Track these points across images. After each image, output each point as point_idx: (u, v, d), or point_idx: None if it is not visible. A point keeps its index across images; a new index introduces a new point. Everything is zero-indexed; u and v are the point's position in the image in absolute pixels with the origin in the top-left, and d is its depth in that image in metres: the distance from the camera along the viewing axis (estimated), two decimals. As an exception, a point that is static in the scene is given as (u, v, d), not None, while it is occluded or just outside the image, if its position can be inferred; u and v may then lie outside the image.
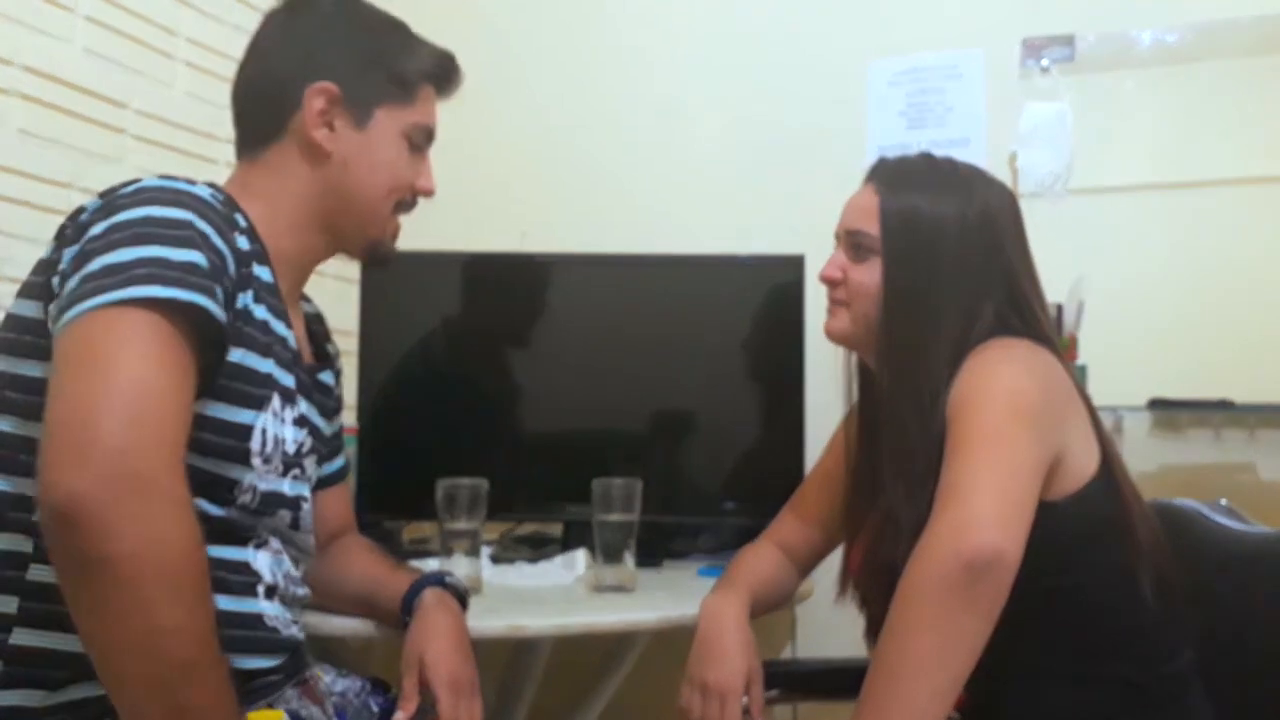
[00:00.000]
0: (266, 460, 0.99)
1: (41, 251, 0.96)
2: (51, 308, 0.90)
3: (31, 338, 0.92)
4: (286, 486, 1.04)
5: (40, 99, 1.43)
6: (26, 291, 0.95)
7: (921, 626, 0.95)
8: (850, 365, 1.26)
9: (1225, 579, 1.18)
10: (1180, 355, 1.75)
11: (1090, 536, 1.06)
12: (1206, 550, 1.20)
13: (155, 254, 0.86)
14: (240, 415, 0.96)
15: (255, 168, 1.08)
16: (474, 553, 1.41)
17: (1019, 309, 1.12)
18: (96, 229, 0.89)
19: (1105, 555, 1.06)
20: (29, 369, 0.91)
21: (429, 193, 1.15)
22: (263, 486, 0.99)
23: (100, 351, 0.81)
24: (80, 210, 0.94)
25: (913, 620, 0.95)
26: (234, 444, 0.95)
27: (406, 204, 1.14)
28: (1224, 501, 1.27)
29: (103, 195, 0.94)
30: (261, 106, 1.08)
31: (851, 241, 1.17)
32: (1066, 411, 1.07)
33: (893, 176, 1.17)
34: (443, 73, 1.14)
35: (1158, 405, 1.68)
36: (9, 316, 0.96)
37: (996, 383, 1.04)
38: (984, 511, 0.95)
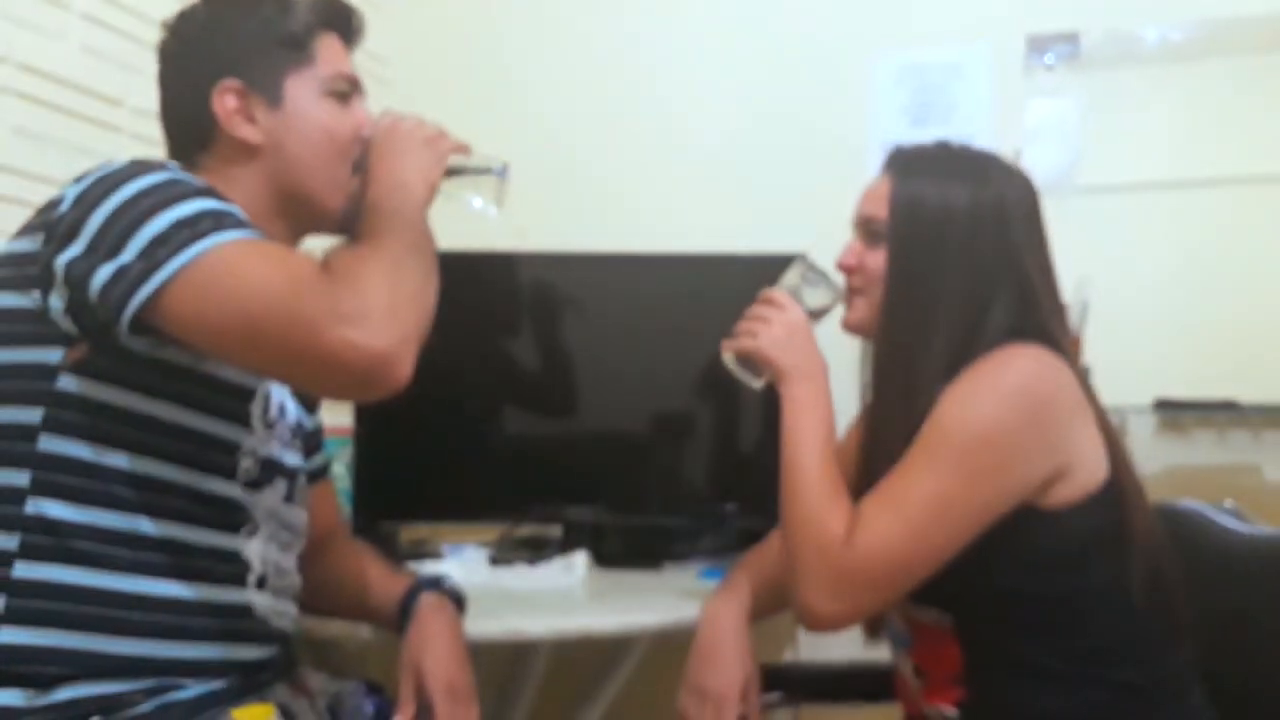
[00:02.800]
0: (269, 425, 1.02)
1: None
2: (90, 295, 0.89)
3: (24, 326, 0.92)
4: (288, 455, 1.06)
5: (36, 97, 1.43)
6: (5, 284, 0.94)
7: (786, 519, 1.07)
8: (867, 360, 1.24)
9: (1230, 581, 1.17)
10: (1186, 355, 1.74)
11: (1089, 545, 1.05)
12: (1211, 552, 1.20)
13: (210, 206, 0.91)
14: (243, 377, 1.00)
15: (196, 173, 1.05)
16: None
17: (1029, 307, 1.09)
18: (105, 207, 0.90)
19: (1102, 563, 1.05)
20: (19, 355, 0.92)
21: (363, 138, 1.08)
22: (262, 452, 1.02)
23: (232, 283, 0.89)
24: (56, 201, 0.94)
25: (791, 515, 1.07)
26: (235, 406, 0.99)
27: (360, 160, 1.07)
28: (1229, 503, 1.26)
29: (79, 180, 0.94)
30: (181, 123, 1.07)
31: (866, 228, 1.16)
32: (1070, 426, 1.05)
33: (907, 163, 1.15)
34: (333, 17, 1.09)
35: (1163, 406, 1.67)
36: None
37: (973, 414, 1.02)
38: (850, 588, 1.01)
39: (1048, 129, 1.76)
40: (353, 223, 1.05)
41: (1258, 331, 1.72)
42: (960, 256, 1.09)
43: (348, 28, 1.11)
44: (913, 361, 1.08)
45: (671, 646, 1.30)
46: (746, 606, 1.20)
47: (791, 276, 1.19)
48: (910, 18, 1.89)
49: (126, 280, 0.88)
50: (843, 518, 1.03)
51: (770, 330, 1.14)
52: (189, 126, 1.06)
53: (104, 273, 0.88)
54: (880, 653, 1.23)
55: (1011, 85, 1.81)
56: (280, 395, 1.05)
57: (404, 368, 0.92)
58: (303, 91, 1.05)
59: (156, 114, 1.62)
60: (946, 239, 1.09)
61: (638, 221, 1.98)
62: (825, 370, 1.13)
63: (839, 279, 1.18)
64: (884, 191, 1.14)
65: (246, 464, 1.01)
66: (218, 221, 0.90)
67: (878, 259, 1.13)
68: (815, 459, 1.08)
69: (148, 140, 1.59)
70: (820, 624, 1.04)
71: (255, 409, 1.02)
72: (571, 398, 1.75)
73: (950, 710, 1.09)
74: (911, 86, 1.86)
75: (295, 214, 1.07)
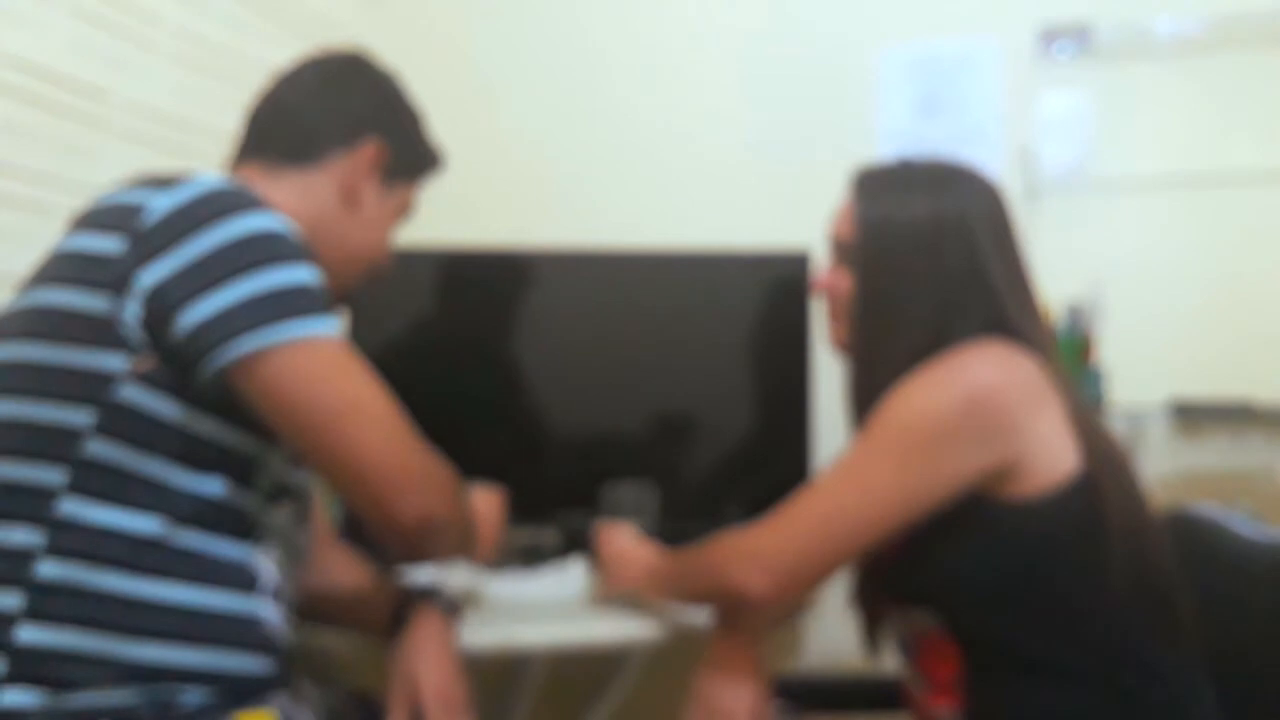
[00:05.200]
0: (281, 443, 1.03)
1: (26, 245, 0.99)
2: (184, 319, 0.91)
3: (85, 328, 0.92)
4: (293, 476, 1.06)
5: (23, 91, 1.41)
6: (73, 281, 0.94)
7: (693, 578, 1.17)
8: None
9: (1244, 585, 1.16)
10: (1199, 354, 1.72)
11: (1059, 539, 1.05)
12: (1225, 558, 1.18)
13: (304, 278, 0.95)
14: None
15: (265, 177, 1.09)
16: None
17: (998, 314, 1.10)
18: (213, 235, 0.92)
19: (1078, 557, 1.05)
20: (78, 357, 0.92)
21: (387, 264, 1.22)
22: (276, 470, 1.02)
23: (342, 389, 0.95)
24: (135, 207, 0.94)
25: (692, 565, 1.17)
26: (258, 418, 0.98)
27: (375, 271, 1.19)
28: (1243, 506, 1.26)
29: (160, 186, 0.95)
30: (309, 129, 1.12)
31: (835, 250, 1.19)
32: (1026, 417, 1.05)
33: (868, 183, 1.18)
34: (438, 167, 1.23)
35: (1177, 409, 1.66)
36: (40, 307, 0.96)
37: (906, 403, 1.05)
38: (770, 556, 1.07)
39: (1059, 122, 1.75)
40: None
41: (1274, 331, 1.70)
42: (924, 270, 1.11)
43: (431, 176, 1.25)
44: (876, 374, 1.10)
45: (670, 657, 1.29)
46: (757, 622, 1.19)
47: (609, 507, 1.41)
48: (920, 9, 1.88)
49: (226, 328, 0.90)
50: (735, 534, 1.12)
51: (607, 572, 1.32)
52: (311, 139, 1.11)
53: (201, 310, 0.90)
54: (883, 663, 1.23)
55: (1022, 78, 1.81)
56: None
57: (409, 519, 0.98)
58: (398, 199, 1.18)
59: (145, 108, 1.61)
60: (909, 255, 1.12)
61: (640, 218, 1.98)
62: (643, 550, 1.29)
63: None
64: (848, 212, 1.17)
65: (265, 482, 1.02)
66: (319, 302, 0.95)
67: (848, 280, 1.16)
68: (685, 564, 1.20)
69: (135, 135, 1.59)
70: (754, 599, 1.07)
71: None
72: (570, 398, 1.74)
73: (952, 711, 1.09)
74: (921, 79, 1.86)
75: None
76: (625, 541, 1.32)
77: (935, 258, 1.11)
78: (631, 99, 2.03)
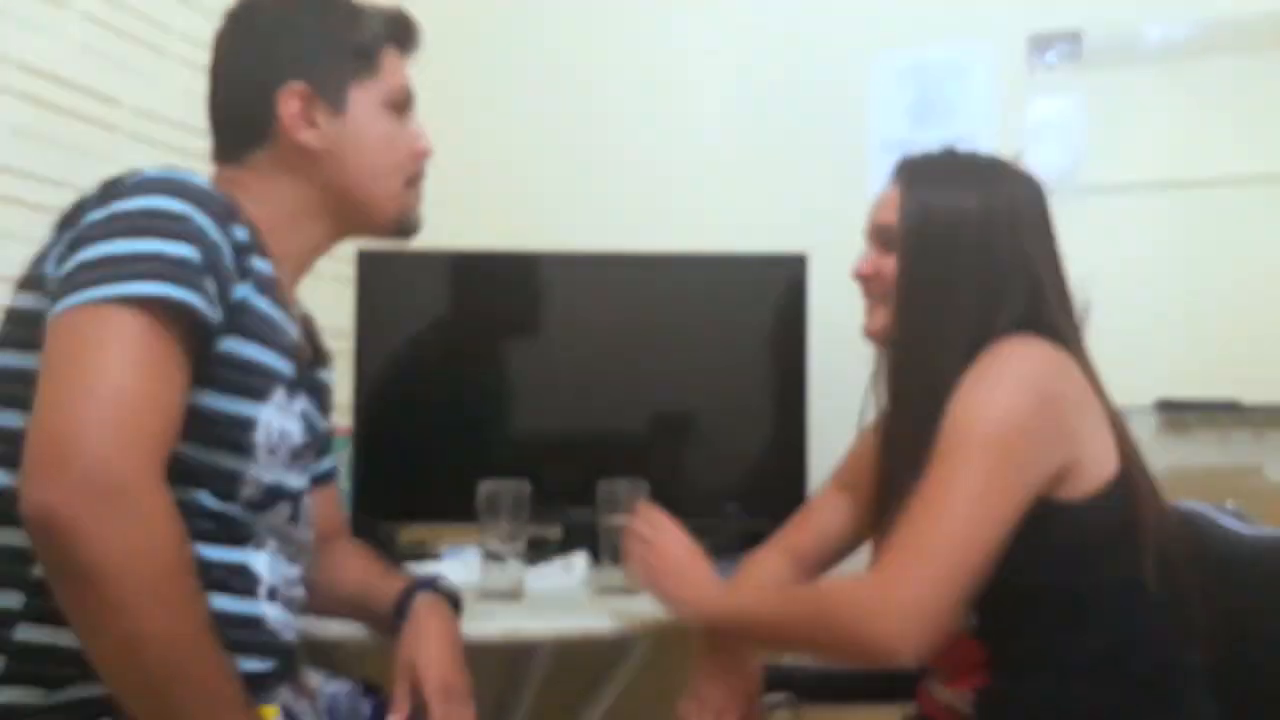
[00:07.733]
0: (272, 452, 0.99)
1: (38, 247, 0.97)
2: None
3: (33, 331, 0.90)
4: (290, 478, 1.04)
5: (34, 96, 1.43)
6: (26, 285, 0.95)
7: (806, 629, 1.08)
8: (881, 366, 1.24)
9: (1232, 581, 1.17)
10: (1188, 354, 1.73)
11: (1104, 538, 1.07)
12: (1213, 553, 1.20)
13: (150, 248, 0.87)
14: (242, 407, 0.96)
15: (244, 172, 1.07)
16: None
17: (1039, 305, 1.11)
18: (95, 215, 0.90)
19: (1118, 556, 1.07)
20: (32, 362, 0.90)
21: (426, 153, 1.14)
22: (266, 479, 0.99)
23: (84, 354, 0.82)
24: (82, 202, 0.94)
25: (806, 617, 1.08)
26: (237, 436, 0.95)
27: (415, 175, 1.13)
28: (1231, 504, 1.27)
29: (104, 185, 0.94)
30: (237, 119, 1.08)
31: (880, 237, 1.18)
32: (1078, 418, 1.06)
33: (915, 171, 1.18)
34: (398, 30, 1.12)
35: (1165, 407, 1.67)
36: (10, 311, 0.96)
37: (986, 409, 1.03)
38: (915, 607, 0.99)
39: (1050, 128, 1.76)
40: (400, 230, 1.13)
41: (1260, 331, 1.70)
42: (973, 261, 1.11)
43: (409, 41, 1.13)
44: (931, 360, 1.10)
45: (671, 647, 1.30)
46: None
47: (605, 503, 1.36)
48: (912, 16, 1.89)
49: (58, 288, 0.86)
50: (857, 585, 1.05)
51: (649, 572, 1.22)
52: (245, 124, 1.07)
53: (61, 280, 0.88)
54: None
55: (1013, 84, 1.81)
56: (281, 421, 1.00)
57: (31, 501, 0.78)
58: (365, 101, 1.08)
59: (155, 113, 1.64)
60: (958, 244, 1.12)
61: (638, 221, 1.98)
62: (696, 558, 1.21)
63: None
64: (893, 199, 1.16)
65: (249, 491, 0.98)
66: (148, 269, 0.85)
67: (892, 266, 1.15)
68: (784, 611, 1.12)
69: (146, 139, 1.61)
70: (909, 655, 1.00)
71: (259, 437, 0.97)
72: (571, 397, 1.75)
73: (968, 694, 1.10)
74: (913, 86, 1.86)
75: (344, 216, 1.10)
76: (683, 553, 1.22)
77: (984, 246, 1.11)
78: (633, 105, 2.04)
